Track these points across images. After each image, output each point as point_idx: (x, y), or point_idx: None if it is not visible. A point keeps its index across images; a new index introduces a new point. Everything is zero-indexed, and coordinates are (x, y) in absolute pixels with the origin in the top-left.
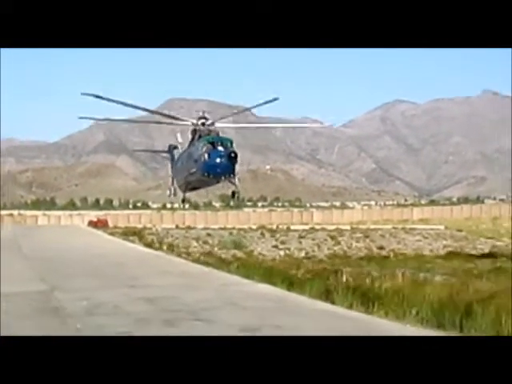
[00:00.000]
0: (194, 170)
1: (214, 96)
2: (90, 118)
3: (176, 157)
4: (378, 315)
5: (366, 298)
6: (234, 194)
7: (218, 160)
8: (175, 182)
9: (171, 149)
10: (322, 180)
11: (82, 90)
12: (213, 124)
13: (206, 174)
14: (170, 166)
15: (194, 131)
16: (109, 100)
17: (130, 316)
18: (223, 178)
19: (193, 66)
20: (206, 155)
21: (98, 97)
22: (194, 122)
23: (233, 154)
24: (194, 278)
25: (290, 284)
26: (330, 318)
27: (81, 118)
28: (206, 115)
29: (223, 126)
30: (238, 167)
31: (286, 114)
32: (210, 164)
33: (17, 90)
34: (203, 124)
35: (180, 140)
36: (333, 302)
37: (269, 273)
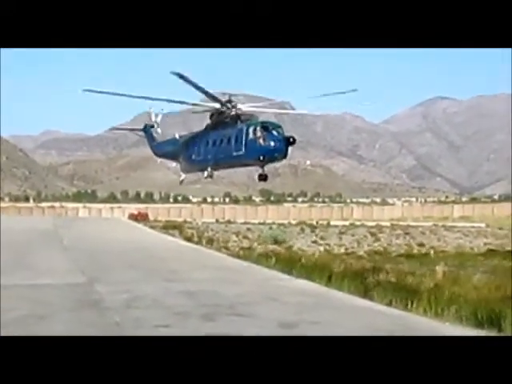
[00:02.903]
0: (239, 153)
1: (253, 90)
2: (95, 91)
3: (156, 136)
4: (416, 313)
5: (405, 296)
6: (261, 176)
7: (274, 144)
8: (182, 163)
9: (148, 127)
10: (362, 176)
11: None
12: (234, 107)
13: (261, 158)
14: (148, 143)
15: (219, 113)
16: (101, 92)
17: (169, 309)
18: (276, 161)
19: (231, 59)
20: (261, 139)
21: (89, 91)
22: (218, 105)
23: (291, 139)
24: (233, 273)
25: (329, 280)
26: (368, 314)
27: (85, 90)
28: (232, 98)
29: (252, 110)
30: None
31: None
32: (268, 148)
33: (60, 83)
34: (229, 108)
35: (154, 119)
36: (372, 299)
37: (308, 268)
